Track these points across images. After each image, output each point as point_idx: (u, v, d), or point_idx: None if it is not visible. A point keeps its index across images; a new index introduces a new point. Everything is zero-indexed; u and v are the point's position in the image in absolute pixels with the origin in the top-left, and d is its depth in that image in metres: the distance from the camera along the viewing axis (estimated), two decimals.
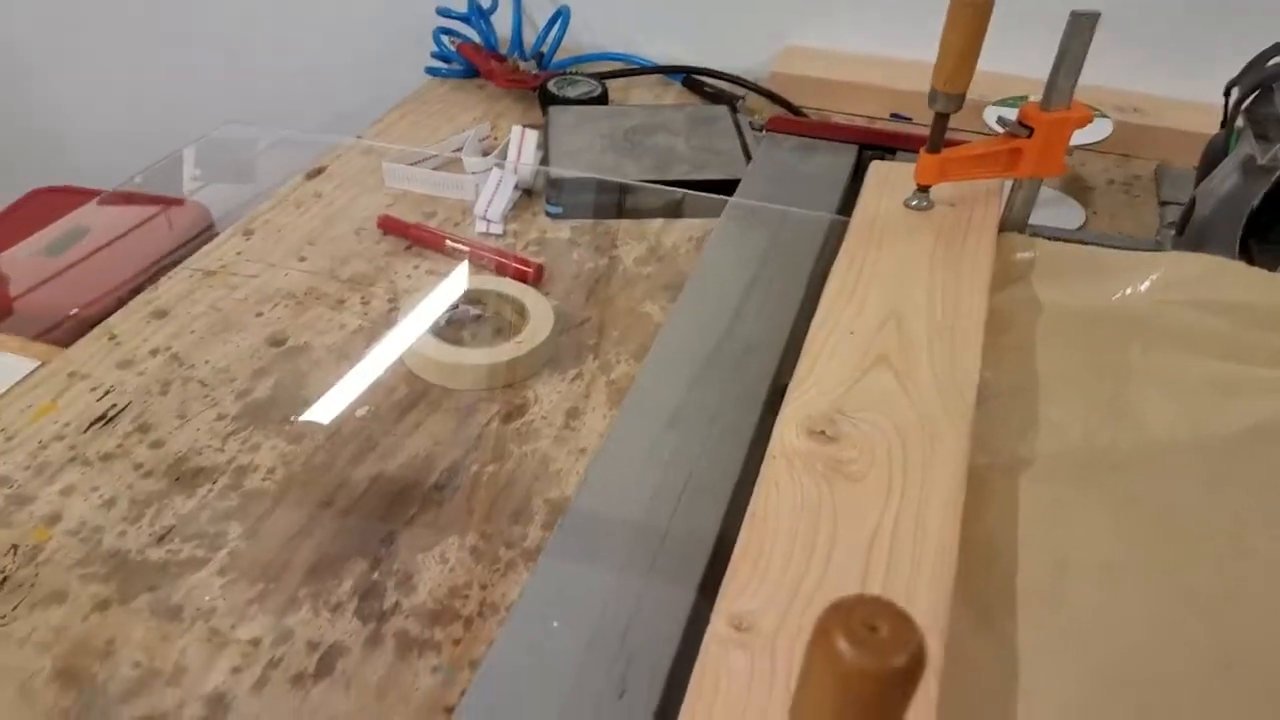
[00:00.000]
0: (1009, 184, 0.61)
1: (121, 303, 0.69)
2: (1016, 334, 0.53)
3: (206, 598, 0.48)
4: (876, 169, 0.64)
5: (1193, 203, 0.65)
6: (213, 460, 0.56)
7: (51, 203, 1.20)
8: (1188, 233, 0.63)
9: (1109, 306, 0.55)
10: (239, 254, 0.73)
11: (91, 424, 0.58)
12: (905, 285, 0.51)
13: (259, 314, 0.67)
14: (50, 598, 0.48)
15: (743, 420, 0.49)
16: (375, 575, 0.49)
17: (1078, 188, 0.81)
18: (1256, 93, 0.63)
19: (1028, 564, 0.41)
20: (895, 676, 0.17)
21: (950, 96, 0.53)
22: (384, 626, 0.47)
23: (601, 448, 0.52)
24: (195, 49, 1.24)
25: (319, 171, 0.85)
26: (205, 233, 1.17)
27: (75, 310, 1.05)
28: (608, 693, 0.35)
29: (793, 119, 0.84)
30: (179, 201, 1.20)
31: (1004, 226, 0.61)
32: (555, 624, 0.38)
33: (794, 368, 0.46)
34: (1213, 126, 0.71)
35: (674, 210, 0.77)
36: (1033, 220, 0.65)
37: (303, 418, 0.59)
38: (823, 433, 0.41)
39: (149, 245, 1.11)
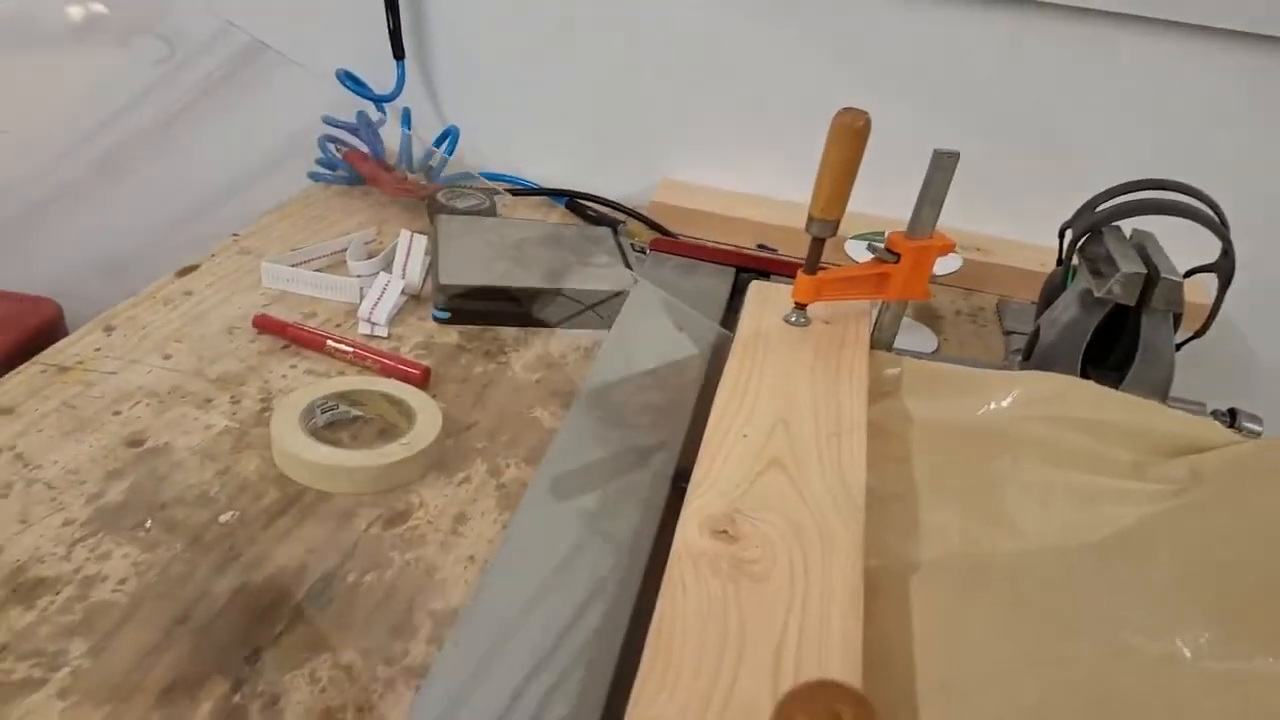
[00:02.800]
0: (877, 306, 0.65)
1: None
2: (893, 444, 0.55)
3: None
4: (757, 288, 0.67)
5: (1037, 331, 0.70)
6: (56, 570, 0.50)
7: None
8: (1034, 358, 0.67)
9: (975, 420, 0.58)
10: (98, 350, 0.69)
11: None
12: (790, 394, 0.53)
13: (116, 412, 0.63)
14: None
15: (645, 517, 0.48)
16: (237, 698, 0.45)
17: (929, 317, 0.87)
18: (1088, 235, 0.69)
19: (924, 664, 0.41)
20: None
21: (826, 222, 0.57)
22: None
23: (498, 551, 0.50)
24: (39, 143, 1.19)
25: (190, 269, 0.81)
26: (54, 330, 1.10)
27: None
28: None
29: (675, 241, 0.87)
30: (27, 297, 1.13)
31: (873, 345, 0.64)
32: None
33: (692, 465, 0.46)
34: (1045, 266, 0.77)
35: (563, 319, 0.78)
36: (894, 347, 0.68)
37: (159, 523, 0.54)
38: (725, 532, 0.41)
39: None
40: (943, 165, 0.55)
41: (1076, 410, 0.57)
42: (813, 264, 0.58)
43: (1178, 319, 0.70)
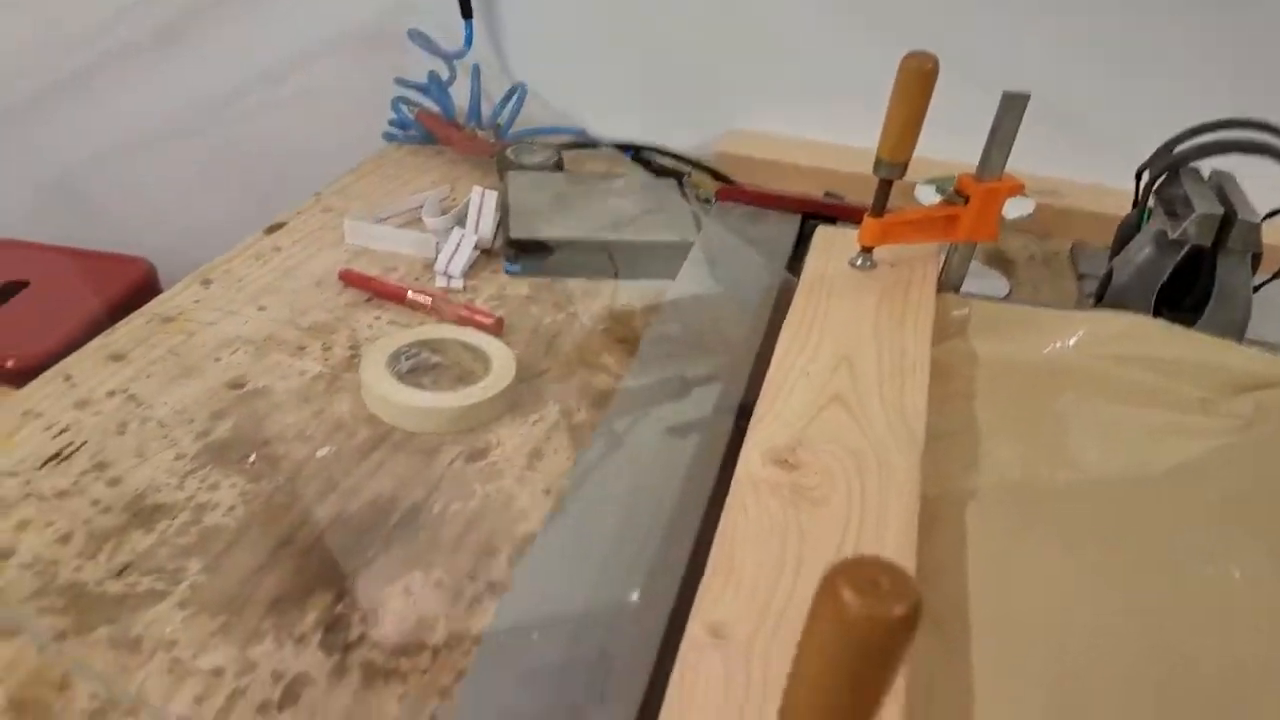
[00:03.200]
0: (945, 249, 0.66)
1: (67, 352, 0.68)
2: (957, 383, 0.57)
3: (167, 630, 0.48)
4: (822, 233, 0.68)
5: (1109, 274, 0.70)
6: (171, 498, 0.55)
7: None
8: (1106, 299, 0.68)
9: (1041, 359, 0.59)
10: (197, 302, 0.74)
11: (47, 461, 0.57)
12: (854, 334, 0.55)
13: (218, 359, 0.67)
14: (2, 632, 0.47)
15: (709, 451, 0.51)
16: (339, 608, 0.49)
17: (1001, 262, 0.87)
18: (1164, 176, 0.69)
19: (977, 583, 0.43)
20: (896, 624, 0.19)
21: (894, 165, 0.58)
22: (349, 658, 0.47)
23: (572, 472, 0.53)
24: (145, 113, 1.25)
25: (278, 227, 0.86)
26: (149, 288, 1.17)
27: (11, 362, 1.03)
28: (590, 699, 0.36)
29: (741, 189, 0.88)
30: (125, 257, 1.19)
31: (941, 288, 0.65)
32: (534, 635, 0.39)
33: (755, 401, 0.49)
34: (1121, 210, 0.77)
35: (629, 270, 0.80)
36: (961, 290, 0.69)
37: (261, 458, 0.59)
38: (785, 461, 0.43)
39: (90, 300, 1.10)
40: (1012, 107, 0.56)
41: (1143, 348, 0.57)
42: (879, 207, 0.59)
43: (1256, 260, 0.70)
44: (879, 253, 0.63)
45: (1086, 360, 0.58)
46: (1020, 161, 0.96)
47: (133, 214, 1.27)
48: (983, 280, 0.80)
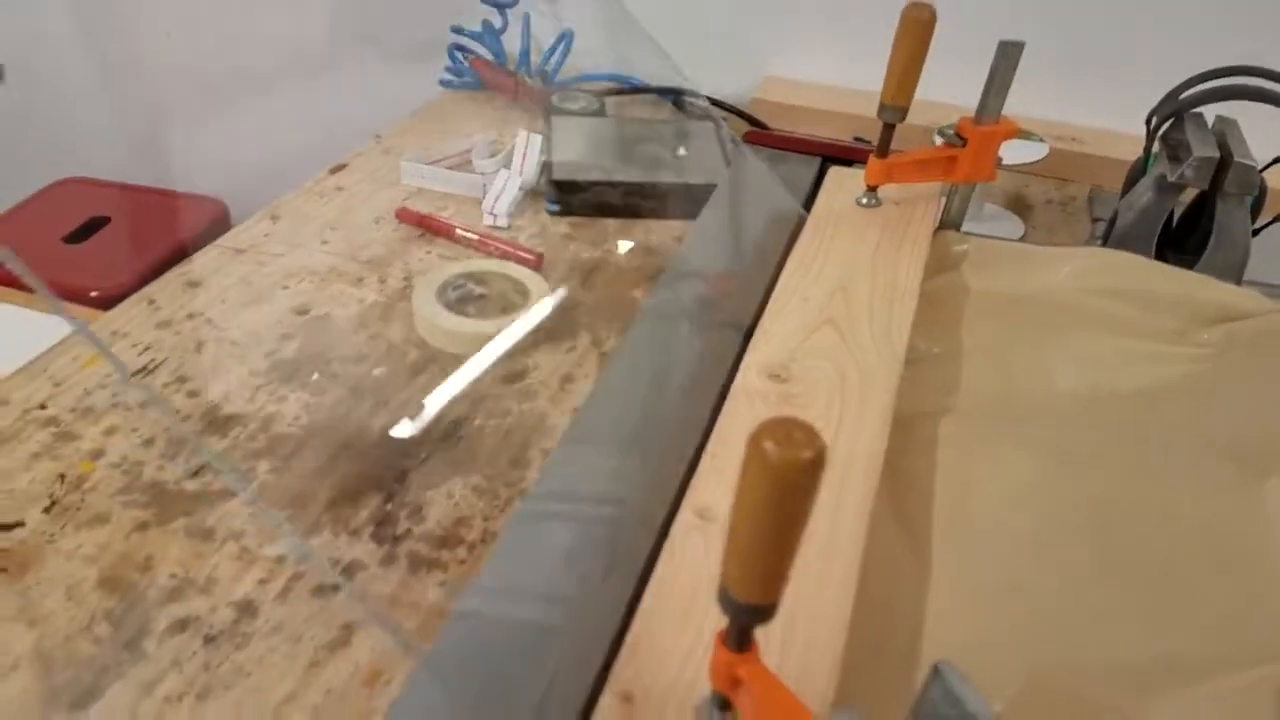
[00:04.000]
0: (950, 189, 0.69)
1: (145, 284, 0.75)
2: (947, 312, 0.61)
3: (237, 522, 0.54)
4: (835, 174, 0.73)
5: (1115, 216, 0.73)
6: (243, 409, 0.62)
7: (73, 193, 1.27)
8: (1110, 242, 0.70)
9: (1027, 292, 0.63)
10: (266, 235, 0.80)
11: (133, 375, 0.64)
12: (853, 265, 0.59)
13: (285, 287, 0.74)
14: (94, 520, 0.54)
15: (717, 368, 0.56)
16: (389, 507, 0.56)
17: (1020, 206, 0.90)
18: (1170, 121, 0.71)
19: (944, 488, 0.48)
20: (806, 465, 0.24)
21: (896, 108, 0.61)
22: (397, 548, 0.53)
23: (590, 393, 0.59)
24: (202, 60, 1.31)
25: (341, 168, 0.92)
26: (223, 225, 1.24)
27: (95, 293, 1.11)
28: (596, 574, 0.42)
29: (765, 133, 0.92)
30: (197, 196, 1.27)
31: (943, 225, 0.69)
32: (552, 520, 0.45)
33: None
34: (1136, 155, 0.79)
35: (661, 210, 0.85)
36: (978, 232, 0.72)
37: (324, 375, 0.65)
38: (777, 375, 0.48)
39: (167, 235, 1.18)
40: (1007, 55, 0.59)
41: (1125, 282, 0.61)
42: (883, 148, 0.63)
43: (1260, 204, 0.72)
44: (887, 192, 0.67)
45: (1071, 294, 0.61)
46: (1041, 108, 0.99)
47: (209, 156, 1.35)
48: (1000, 223, 0.83)
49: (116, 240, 1.20)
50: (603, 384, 0.59)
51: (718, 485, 0.41)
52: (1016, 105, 0.92)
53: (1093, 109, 0.98)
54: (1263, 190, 0.72)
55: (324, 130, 1.18)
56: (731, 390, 0.48)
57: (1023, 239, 0.83)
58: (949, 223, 0.68)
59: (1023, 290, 0.62)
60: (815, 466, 0.24)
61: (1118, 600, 0.43)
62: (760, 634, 0.30)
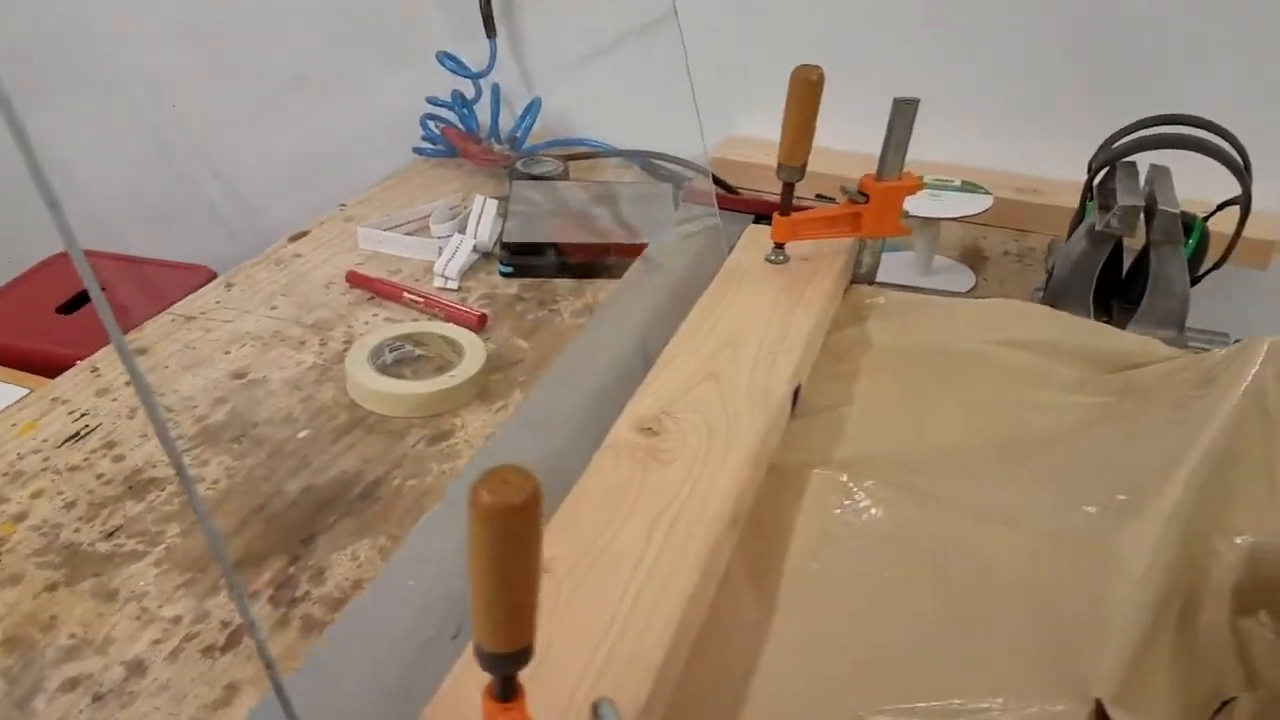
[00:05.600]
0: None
1: None
2: (844, 365, 0.60)
3: (141, 583, 0.54)
4: (752, 231, 0.73)
5: (1054, 267, 0.72)
6: (165, 472, 0.63)
7: (70, 265, 1.31)
8: (1047, 292, 0.69)
9: (933, 344, 0.62)
10: (218, 302, 0.82)
11: (65, 440, 0.65)
12: (747, 320, 0.59)
13: (227, 352, 0.75)
14: (8, 580, 0.55)
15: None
16: (292, 569, 0.55)
17: (975, 258, 0.89)
18: (1106, 169, 0.70)
19: (801, 536, 0.47)
20: (517, 509, 0.24)
21: (792, 168, 0.62)
22: (292, 611, 0.53)
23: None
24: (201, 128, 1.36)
25: (301, 235, 0.94)
26: None
27: (80, 361, 1.13)
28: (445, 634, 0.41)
29: (702, 192, 0.93)
30: (188, 265, 1.30)
31: (858, 280, 0.68)
32: (410, 583, 0.45)
33: None
34: None
35: (615, 270, 0.85)
36: (928, 286, 0.72)
37: (249, 438, 0.66)
38: (649, 429, 0.47)
39: (157, 303, 1.21)
40: (902, 112, 0.59)
41: (1029, 333, 0.60)
42: (786, 206, 0.63)
43: (1202, 251, 0.70)
44: (799, 249, 0.67)
45: (974, 345, 0.60)
46: (1003, 160, 0.98)
47: (199, 226, 1.39)
48: (949, 275, 0.82)
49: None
50: (499, 435, 0.59)
51: (564, 539, 0.40)
52: (974, 158, 0.93)
53: (1057, 160, 0.97)
54: (1204, 238, 0.70)
55: (305, 201, 1.21)
56: (604, 443, 0.47)
57: (973, 290, 0.82)
58: (863, 277, 0.67)
59: (926, 342, 0.61)
60: (526, 510, 0.23)
61: (945, 645, 0.43)
62: (564, 678, 0.29)
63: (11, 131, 0.24)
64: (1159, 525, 0.43)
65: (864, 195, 0.62)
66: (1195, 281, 0.69)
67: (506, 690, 0.28)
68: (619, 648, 0.34)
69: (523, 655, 0.27)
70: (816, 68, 0.57)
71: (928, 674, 0.41)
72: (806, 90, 0.58)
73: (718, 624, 0.38)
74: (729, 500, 0.43)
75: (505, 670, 0.27)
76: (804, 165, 0.61)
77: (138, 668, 0.49)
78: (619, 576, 0.38)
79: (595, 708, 0.24)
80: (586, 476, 0.45)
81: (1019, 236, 0.94)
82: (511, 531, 0.24)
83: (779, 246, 0.66)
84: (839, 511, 0.50)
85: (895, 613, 0.44)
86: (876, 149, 0.62)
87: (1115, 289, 0.70)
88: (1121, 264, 0.76)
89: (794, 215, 0.63)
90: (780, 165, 0.62)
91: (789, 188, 0.63)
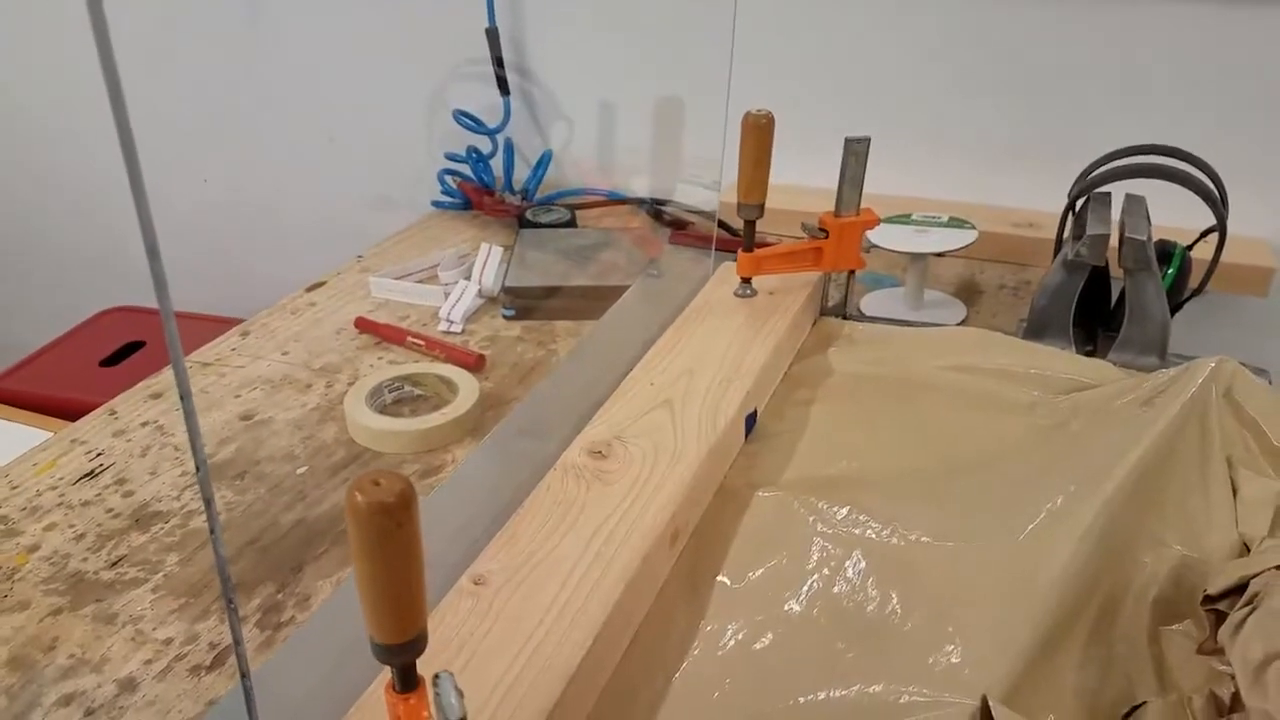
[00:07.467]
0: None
1: None
2: (802, 392, 0.61)
3: (139, 608, 0.57)
4: (724, 267, 0.75)
5: (1034, 297, 0.73)
6: (169, 506, 0.66)
7: (116, 320, 1.38)
8: (1029, 323, 0.70)
9: (891, 372, 0.63)
10: (233, 349, 0.86)
11: (80, 478, 0.69)
12: (706, 351, 0.61)
13: (238, 396, 0.79)
14: (16, 606, 0.58)
15: None
16: (279, 595, 0.58)
17: (970, 291, 0.89)
18: (1083, 200, 0.71)
19: (738, 550, 0.49)
20: (388, 507, 0.26)
21: (751, 206, 0.64)
22: (278, 634, 0.55)
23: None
24: (238, 190, 1.43)
25: (318, 285, 0.98)
26: None
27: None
28: None
29: (689, 233, 0.96)
30: (222, 319, 1.36)
31: (827, 312, 0.70)
32: None
33: None
34: None
35: (605, 312, 0.88)
36: (919, 319, 0.73)
37: (250, 475, 0.69)
38: (599, 453, 0.49)
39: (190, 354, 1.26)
40: (854, 150, 0.61)
41: (985, 359, 0.60)
42: (749, 243, 0.65)
43: (1183, 279, 0.71)
44: (767, 283, 0.69)
45: (929, 370, 0.61)
46: (1005, 197, 1.00)
47: (233, 281, 1.46)
48: (940, 309, 0.83)
49: (148, 362, 1.29)
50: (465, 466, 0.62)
51: (501, 555, 0.42)
52: (974, 193, 0.95)
53: (1052, 194, 0.99)
54: (1185, 265, 0.71)
55: (329, 253, 1.27)
56: (555, 465, 0.49)
57: (963, 323, 0.82)
58: (831, 310, 0.69)
59: (884, 370, 0.62)
60: (398, 508, 0.25)
61: (861, 646, 0.43)
62: (482, 682, 0.31)
63: (134, 191, 0.24)
64: (1075, 538, 0.44)
65: (824, 231, 0.64)
66: (1177, 308, 0.69)
67: (406, 682, 0.30)
68: (539, 654, 0.36)
69: (414, 645, 0.29)
70: (766, 113, 0.60)
71: (840, 673, 0.42)
72: (758, 134, 0.60)
73: (652, 628, 0.39)
74: (664, 514, 0.44)
75: (400, 660, 0.29)
76: (762, 204, 0.64)
77: (129, 685, 0.52)
78: (549, 588, 0.40)
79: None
80: (533, 495, 0.47)
81: (1017, 270, 0.95)
82: (384, 528, 0.26)
83: (745, 281, 0.68)
84: (779, 529, 0.51)
85: (816, 620, 0.45)
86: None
87: (1101, 318, 0.70)
88: (1109, 294, 0.76)
89: (758, 251, 0.65)
90: (740, 204, 0.64)
91: (750, 225, 0.65)
